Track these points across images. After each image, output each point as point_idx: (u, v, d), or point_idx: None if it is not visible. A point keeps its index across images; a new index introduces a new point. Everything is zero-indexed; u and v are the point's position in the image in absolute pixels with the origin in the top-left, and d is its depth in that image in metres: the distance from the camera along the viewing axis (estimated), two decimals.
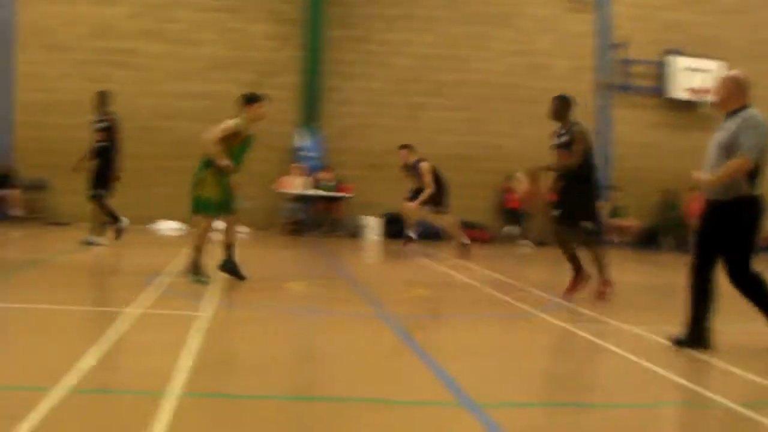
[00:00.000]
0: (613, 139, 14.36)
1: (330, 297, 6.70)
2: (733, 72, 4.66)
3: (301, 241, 12.58)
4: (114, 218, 9.47)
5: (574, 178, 6.36)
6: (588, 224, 6.54)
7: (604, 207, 13.13)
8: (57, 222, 12.91)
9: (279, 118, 13.65)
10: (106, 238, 9.47)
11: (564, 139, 6.42)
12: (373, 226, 13.44)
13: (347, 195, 13.69)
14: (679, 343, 4.55)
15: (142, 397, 3.16)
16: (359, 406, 3.29)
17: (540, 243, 13.57)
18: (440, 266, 9.54)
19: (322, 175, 13.78)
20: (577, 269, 6.55)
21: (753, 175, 4.35)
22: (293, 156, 13.72)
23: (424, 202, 10.18)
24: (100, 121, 9.30)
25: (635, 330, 5.30)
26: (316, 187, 13.64)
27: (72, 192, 11.76)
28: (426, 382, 3.73)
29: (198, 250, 6.40)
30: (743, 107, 4.46)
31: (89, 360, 3.66)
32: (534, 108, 13.94)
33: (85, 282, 7.01)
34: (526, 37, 13.93)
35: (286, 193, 13.57)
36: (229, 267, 6.63)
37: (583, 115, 13.89)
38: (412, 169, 10.44)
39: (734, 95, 4.48)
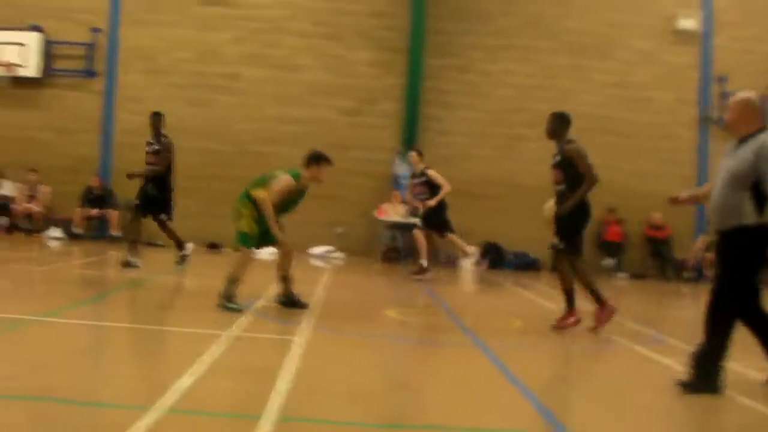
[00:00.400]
0: (711, 173, 14.25)
1: (425, 325, 6.70)
2: (745, 93, 4.25)
3: (398, 268, 12.46)
4: (179, 244, 9.11)
5: (561, 200, 6.12)
6: (558, 244, 6.16)
7: (702, 241, 12.96)
8: (153, 243, 12.81)
9: (378, 145, 13.67)
10: (138, 260, 8.88)
11: (557, 159, 6.20)
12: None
13: None
14: (686, 385, 4.09)
15: (238, 420, 3.18)
16: None
17: (636, 275, 13.39)
18: (535, 296, 9.50)
19: (418, 203, 13.66)
20: (570, 302, 6.18)
21: (761, 202, 3.93)
22: (391, 183, 13.64)
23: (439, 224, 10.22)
24: (154, 144, 9.04)
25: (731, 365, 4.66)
26: (413, 215, 13.52)
27: None
28: (521, 412, 3.68)
29: (233, 280, 6.16)
30: (758, 131, 4.06)
31: (185, 381, 3.66)
32: (633, 141, 13.92)
33: (182, 303, 7.03)
34: (627, 68, 13.95)
35: (383, 221, 13.46)
36: (287, 301, 6.43)
37: (683, 148, 13.92)
38: (420, 176, 10.40)
39: (746, 118, 4.11)
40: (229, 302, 6.11)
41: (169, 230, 9.13)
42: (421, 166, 10.54)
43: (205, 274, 9.23)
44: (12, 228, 13.43)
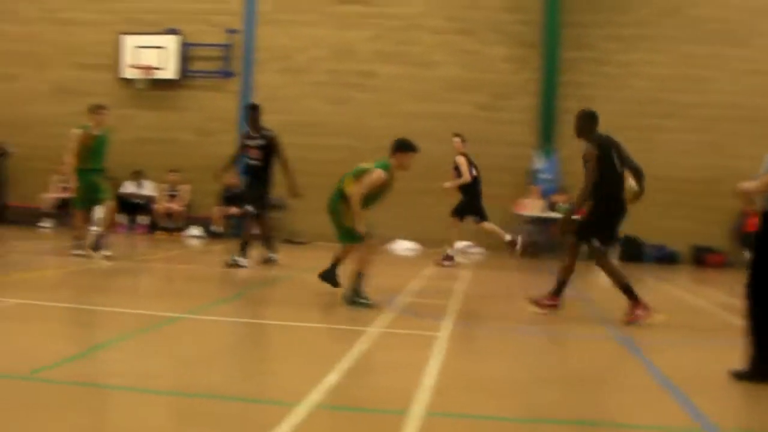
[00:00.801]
0: None
1: (566, 318, 6.94)
2: None
3: (536, 262, 13.51)
4: (269, 243, 9.71)
5: (594, 197, 6.50)
6: (596, 242, 6.59)
7: None
8: (295, 241, 14.61)
9: (515, 140, 15.23)
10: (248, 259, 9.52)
11: (583, 156, 6.52)
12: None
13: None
14: (740, 376, 4.32)
15: (386, 416, 3.42)
16: (602, 431, 3.46)
17: None
18: (676, 290, 9.80)
19: (556, 197, 15.19)
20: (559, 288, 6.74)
21: None
22: (529, 178, 15.24)
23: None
24: (256, 138, 9.41)
25: None
26: (551, 209, 15.10)
27: (311, 211, 13.46)
28: (671, 410, 3.80)
29: (358, 276, 6.68)
30: None
31: (333, 377, 3.96)
32: None
33: (324, 300, 7.43)
34: (766, 56, 15.38)
35: (522, 215, 15.08)
36: (328, 275, 7.26)
37: None
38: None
39: None
40: (359, 298, 6.58)
41: (264, 226, 9.62)
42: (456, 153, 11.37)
43: (346, 271, 10.30)
44: (153, 227, 15.41)
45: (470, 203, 11.43)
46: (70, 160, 9.10)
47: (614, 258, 13.85)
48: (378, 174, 6.65)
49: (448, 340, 5.36)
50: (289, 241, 13.93)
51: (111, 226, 9.92)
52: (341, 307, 6.88)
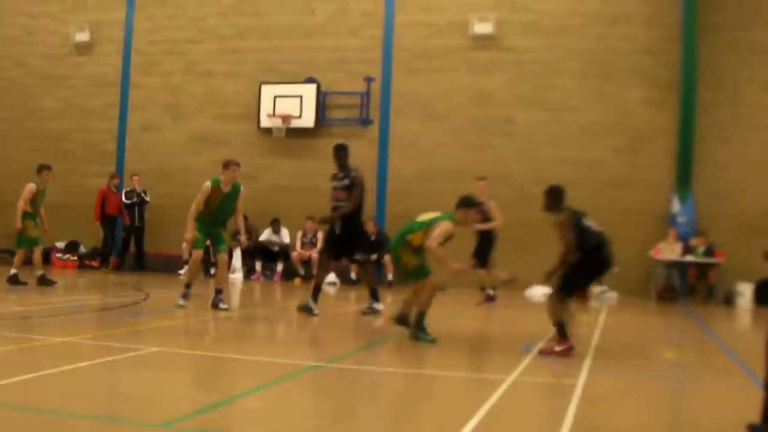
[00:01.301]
0: None
1: (705, 366, 7.73)
2: None
3: (673, 307, 15.10)
4: (373, 293, 10.98)
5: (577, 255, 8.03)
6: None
7: None
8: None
9: (653, 183, 17.78)
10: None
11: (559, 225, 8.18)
12: (746, 292, 17.16)
13: (720, 261, 17.51)
14: (755, 429, 4.65)
15: None
16: None
17: None
18: None
19: (694, 240, 17.68)
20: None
21: None
22: (666, 221, 17.77)
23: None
24: (342, 178, 10.67)
25: None
26: (688, 252, 17.55)
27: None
28: None
29: (422, 313, 8.37)
30: None
31: (471, 426, 4.62)
32: None
33: (462, 348, 8.64)
34: None
35: (659, 260, 17.55)
36: (404, 321, 8.78)
37: None
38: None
39: None
40: (423, 334, 8.21)
41: (368, 274, 11.04)
42: (484, 197, 13.39)
43: (480, 317, 11.66)
44: (290, 274, 18.31)
45: (485, 247, 13.33)
46: (192, 210, 10.45)
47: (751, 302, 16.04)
48: (446, 226, 8.17)
49: (586, 387, 5.94)
50: None
51: (225, 279, 11.38)
52: (481, 354, 8.38)
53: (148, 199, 18.05)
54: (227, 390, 5.99)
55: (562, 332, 7.80)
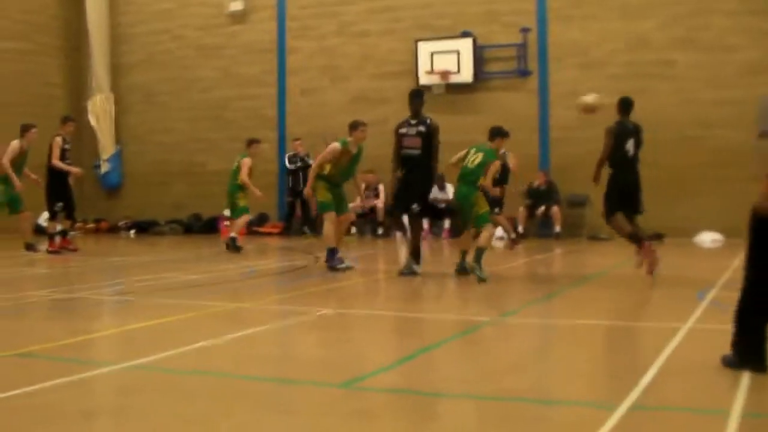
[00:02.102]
0: None
1: None
2: None
3: None
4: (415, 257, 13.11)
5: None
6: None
7: None
8: (596, 237, 22.43)
9: None
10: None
11: None
12: None
13: None
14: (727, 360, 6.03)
15: (705, 416, 4.90)
16: None
17: None
18: None
19: None
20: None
21: None
22: None
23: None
24: (415, 125, 13.09)
25: None
26: None
27: None
28: None
29: (481, 252, 11.92)
30: None
31: (649, 377, 5.63)
32: None
33: (633, 296, 10.68)
34: None
35: None
36: (462, 269, 12.47)
37: None
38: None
39: None
40: (481, 271, 11.68)
41: (415, 230, 13.58)
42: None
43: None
44: (457, 231, 23.84)
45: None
46: (314, 168, 13.54)
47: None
48: (495, 164, 13.23)
49: None
50: (593, 238, 21.65)
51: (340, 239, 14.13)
52: (656, 302, 10.19)
53: (311, 162, 23.82)
54: (403, 349, 7.36)
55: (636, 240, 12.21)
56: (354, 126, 13.54)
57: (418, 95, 13.38)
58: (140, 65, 28.06)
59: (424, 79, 24.01)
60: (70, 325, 8.63)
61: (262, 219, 25.38)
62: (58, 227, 17.74)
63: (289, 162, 24.46)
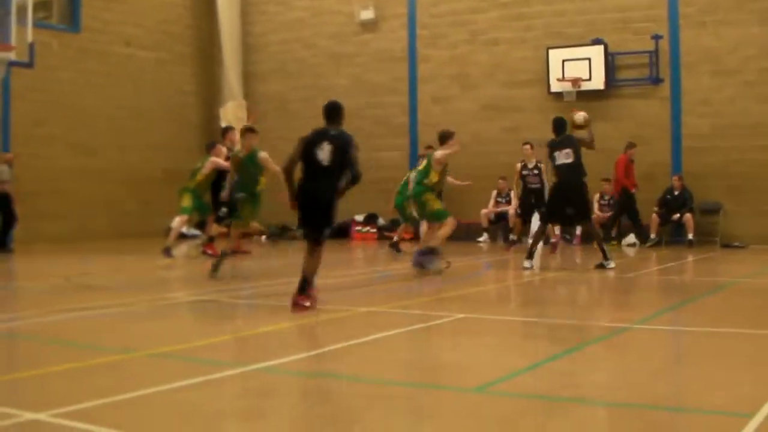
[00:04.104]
0: None
1: None
2: None
3: None
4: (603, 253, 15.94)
5: None
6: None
7: None
8: (730, 245, 23.93)
9: None
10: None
11: None
12: None
13: None
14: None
15: None
16: None
17: None
18: None
19: None
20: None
21: None
22: None
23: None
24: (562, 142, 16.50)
25: None
26: None
27: (746, 214, 22.91)
28: None
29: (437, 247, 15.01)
30: None
31: None
32: None
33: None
34: None
35: None
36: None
37: None
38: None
39: None
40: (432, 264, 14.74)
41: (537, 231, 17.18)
42: (533, 160, 21.13)
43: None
44: (588, 237, 25.74)
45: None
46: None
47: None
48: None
49: None
50: (727, 246, 23.22)
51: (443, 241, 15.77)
52: None
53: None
54: (537, 353, 7.84)
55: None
56: (450, 135, 15.90)
57: (559, 122, 16.77)
58: (272, 74, 30.51)
59: (555, 87, 25.91)
60: (204, 327, 9.56)
61: (394, 224, 27.62)
62: (213, 232, 19.81)
63: None
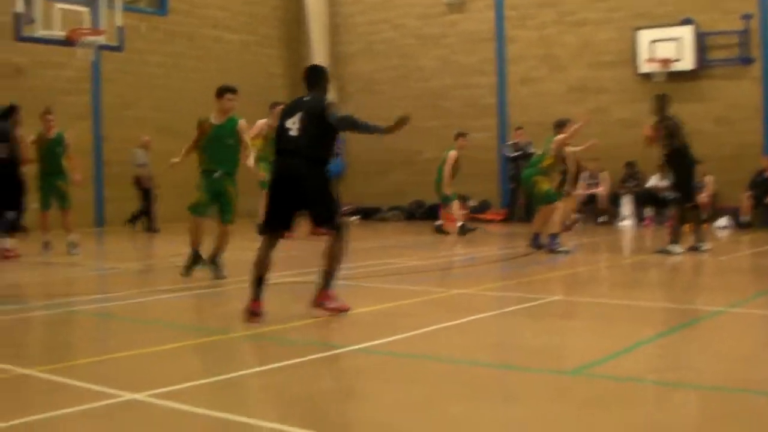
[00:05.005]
0: None
1: None
2: None
3: None
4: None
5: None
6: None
7: None
8: None
9: None
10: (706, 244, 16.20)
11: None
12: None
13: None
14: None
15: None
16: None
17: None
18: None
19: None
20: None
21: None
22: None
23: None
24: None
25: None
26: None
27: None
28: None
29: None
30: None
31: None
32: None
33: None
34: None
35: None
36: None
37: None
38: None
39: None
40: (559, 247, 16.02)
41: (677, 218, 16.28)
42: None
43: None
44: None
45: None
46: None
47: None
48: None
49: None
50: None
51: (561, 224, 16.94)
52: None
53: (532, 151, 26.85)
54: (632, 336, 8.01)
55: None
56: (566, 123, 17.04)
57: (659, 98, 17.40)
58: (360, 55, 31.55)
59: (644, 68, 26.63)
60: (298, 309, 9.57)
61: (483, 206, 28.71)
62: None
63: (512, 150, 27.53)
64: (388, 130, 9.25)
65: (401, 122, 9.18)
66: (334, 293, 9.32)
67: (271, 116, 18.92)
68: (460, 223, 22.27)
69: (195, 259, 12.52)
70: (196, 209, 12.51)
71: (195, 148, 12.65)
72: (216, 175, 12.42)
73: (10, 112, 17.18)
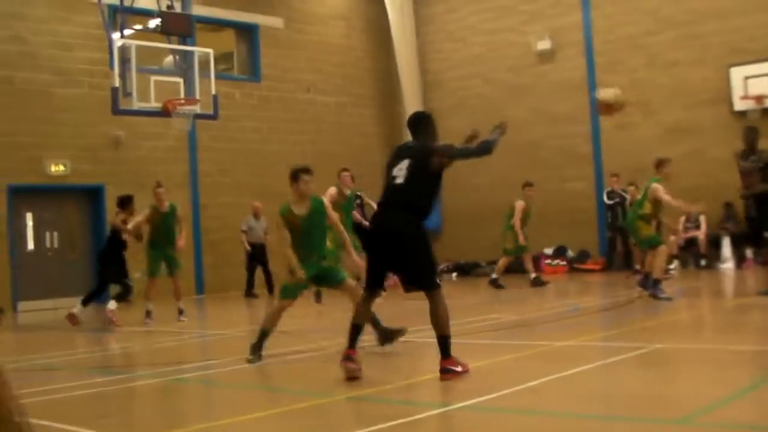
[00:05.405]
0: None
1: None
2: None
3: None
4: None
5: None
6: None
7: None
8: None
9: None
10: None
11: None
12: None
13: None
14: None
15: None
16: None
17: None
18: None
19: None
20: None
21: None
22: None
23: None
24: (753, 159, 16.07)
25: None
26: None
27: None
28: None
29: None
30: None
31: None
32: None
33: None
34: None
35: None
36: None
37: None
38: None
39: None
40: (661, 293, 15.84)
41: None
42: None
43: None
44: None
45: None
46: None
47: None
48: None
49: None
50: None
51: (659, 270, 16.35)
52: None
53: (628, 197, 26.97)
54: (738, 382, 7.95)
55: None
56: (663, 162, 16.91)
57: (748, 130, 17.13)
58: (452, 110, 31.68)
59: (738, 105, 26.55)
60: (400, 367, 10.05)
61: (582, 256, 28.81)
62: None
63: (608, 198, 27.59)
64: (493, 144, 9.51)
65: (501, 131, 9.73)
66: (453, 359, 9.06)
67: (340, 182, 18.88)
68: (533, 275, 22.69)
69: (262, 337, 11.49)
70: (290, 292, 11.51)
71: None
72: (314, 260, 11.46)
73: (126, 201, 18.37)
